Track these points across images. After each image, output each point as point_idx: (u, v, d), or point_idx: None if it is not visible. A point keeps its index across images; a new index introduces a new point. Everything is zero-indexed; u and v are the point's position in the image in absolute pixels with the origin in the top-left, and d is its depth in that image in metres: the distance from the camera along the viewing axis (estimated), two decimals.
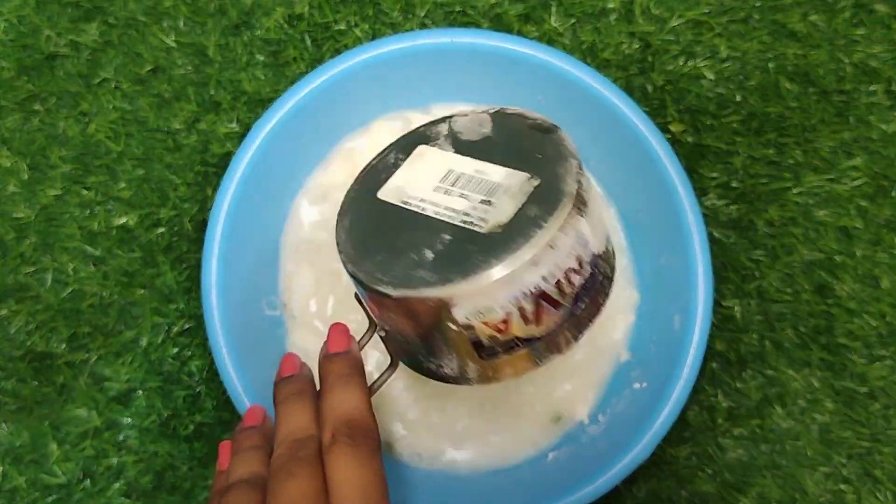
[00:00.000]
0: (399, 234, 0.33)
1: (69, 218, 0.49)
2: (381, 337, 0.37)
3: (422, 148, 0.37)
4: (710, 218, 0.50)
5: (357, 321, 0.38)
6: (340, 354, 0.35)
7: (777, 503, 0.47)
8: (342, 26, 0.51)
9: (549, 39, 0.51)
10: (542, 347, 0.32)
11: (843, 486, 0.48)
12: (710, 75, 0.50)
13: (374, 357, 0.45)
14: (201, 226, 0.50)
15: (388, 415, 0.45)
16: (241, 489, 0.31)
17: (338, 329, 0.37)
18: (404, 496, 0.43)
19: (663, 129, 0.50)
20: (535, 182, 0.33)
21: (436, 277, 0.31)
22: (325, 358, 0.35)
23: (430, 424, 0.45)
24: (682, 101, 0.50)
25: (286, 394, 0.35)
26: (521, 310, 0.31)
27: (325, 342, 0.36)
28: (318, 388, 0.35)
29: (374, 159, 0.38)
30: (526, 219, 0.31)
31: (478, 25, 0.51)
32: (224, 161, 0.50)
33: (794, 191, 0.50)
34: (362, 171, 0.38)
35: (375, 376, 0.37)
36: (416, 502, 0.42)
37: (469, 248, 0.31)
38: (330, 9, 0.51)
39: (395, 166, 0.37)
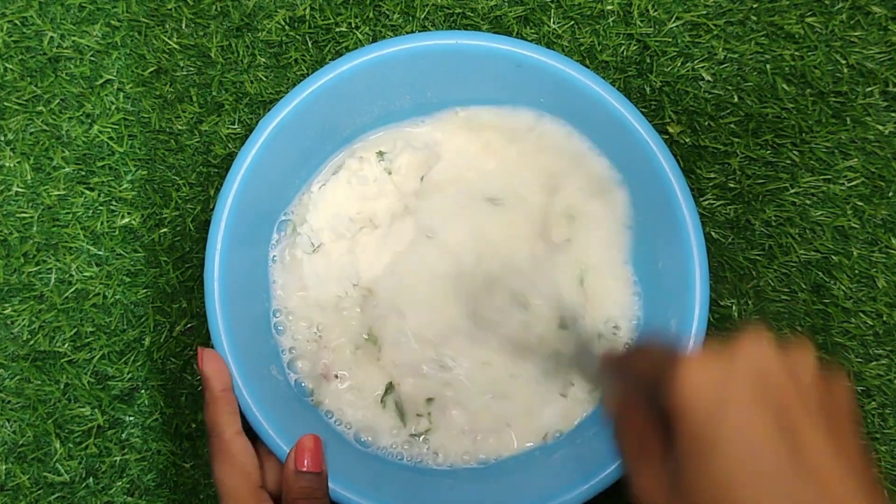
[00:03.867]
0: None
1: (73, 218, 0.50)
2: None
3: None
4: (707, 218, 0.50)
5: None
6: (311, 474, 0.37)
7: None
8: (343, 28, 0.51)
9: (548, 41, 0.51)
10: None
11: None
12: (708, 77, 0.51)
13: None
14: (204, 226, 0.50)
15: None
16: None
17: (311, 447, 0.37)
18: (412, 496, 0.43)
19: (661, 130, 0.50)
20: None
21: None
22: (295, 474, 0.37)
23: (443, 424, 0.45)
24: (679, 102, 0.51)
25: (295, 492, 0.36)
26: None
27: (294, 453, 0.37)
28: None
29: None
30: None
31: (477, 28, 0.51)
32: (226, 162, 0.50)
33: (791, 191, 0.50)
34: None
35: None
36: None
37: None
38: (331, 11, 0.51)
39: None
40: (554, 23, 0.51)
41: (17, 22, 0.51)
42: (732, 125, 0.51)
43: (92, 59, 0.51)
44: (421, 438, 0.45)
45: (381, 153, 0.48)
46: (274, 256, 0.47)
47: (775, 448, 0.28)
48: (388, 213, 0.47)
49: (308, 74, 0.46)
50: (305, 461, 0.37)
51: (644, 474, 0.34)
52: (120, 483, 0.48)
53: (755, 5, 0.51)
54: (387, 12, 0.51)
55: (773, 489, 0.28)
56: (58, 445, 0.48)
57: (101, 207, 0.50)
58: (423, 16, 0.51)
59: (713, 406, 0.29)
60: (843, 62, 0.51)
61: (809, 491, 0.28)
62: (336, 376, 0.46)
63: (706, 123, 0.51)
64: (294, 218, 0.47)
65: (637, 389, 0.35)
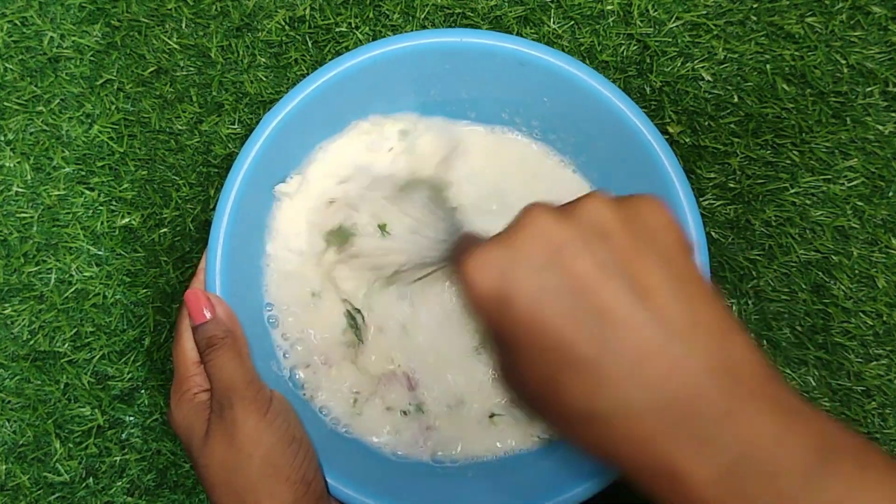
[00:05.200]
0: None
1: (73, 218, 0.50)
2: None
3: None
4: (707, 218, 0.50)
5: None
6: (206, 324, 0.39)
7: None
8: (343, 28, 0.51)
9: (549, 41, 0.51)
10: None
11: None
12: (708, 77, 0.51)
13: None
14: (204, 226, 0.50)
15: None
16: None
17: (194, 300, 0.39)
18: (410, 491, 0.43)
19: (661, 130, 0.50)
20: None
21: None
22: (196, 330, 0.39)
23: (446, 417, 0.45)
24: (679, 102, 0.51)
25: (203, 346, 0.39)
26: None
27: (189, 313, 0.39)
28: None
29: None
30: None
31: (477, 27, 0.51)
32: (226, 162, 0.50)
33: (791, 191, 0.50)
34: None
35: None
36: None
37: None
38: (331, 11, 0.51)
39: None
40: (554, 23, 0.51)
41: (17, 22, 0.51)
42: (732, 125, 0.51)
43: (92, 59, 0.51)
44: (413, 432, 0.45)
45: (404, 132, 0.47)
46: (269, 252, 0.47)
47: (570, 314, 0.26)
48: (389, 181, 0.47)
49: (308, 74, 0.46)
50: (198, 314, 0.39)
51: (501, 367, 0.32)
52: (120, 483, 0.48)
53: (755, 5, 0.51)
54: (387, 12, 0.51)
55: (578, 367, 0.26)
56: (58, 445, 0.48)
57: (101, 207, 0.50)
58: (422, 16, 0.51)
59: (499, 284, 0.28)
60: (843, 62, 0.51)
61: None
62: (328, 366, 0.45)
63: (706, 123, 0.51)
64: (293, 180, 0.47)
65: None
